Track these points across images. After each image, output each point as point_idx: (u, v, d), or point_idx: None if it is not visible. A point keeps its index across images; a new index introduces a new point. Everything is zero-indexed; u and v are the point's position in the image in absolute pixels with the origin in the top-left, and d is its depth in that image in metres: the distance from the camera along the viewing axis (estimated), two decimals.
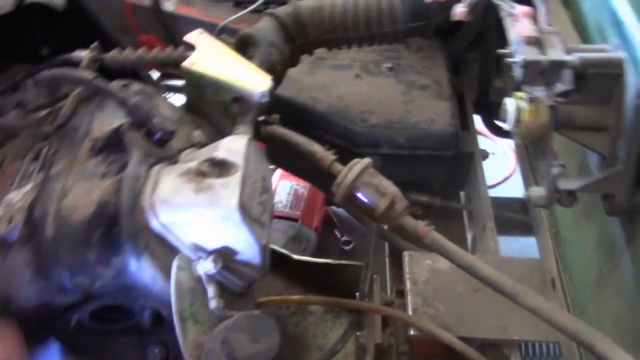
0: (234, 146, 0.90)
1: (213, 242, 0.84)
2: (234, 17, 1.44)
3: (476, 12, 1.20)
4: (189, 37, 1.06)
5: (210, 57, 1.02)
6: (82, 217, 0.81)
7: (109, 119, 0.94)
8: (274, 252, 1.24)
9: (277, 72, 1.19)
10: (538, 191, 0.91)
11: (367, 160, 0.96)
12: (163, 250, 0.83)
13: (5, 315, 0.81)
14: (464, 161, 1.46)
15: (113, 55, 1.06)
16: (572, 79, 0.89)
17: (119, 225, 0.81)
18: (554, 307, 0.88)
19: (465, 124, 1.53)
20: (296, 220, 2.07)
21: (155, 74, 1.63)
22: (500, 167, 2.60)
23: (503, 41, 0.99)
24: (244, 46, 1.16)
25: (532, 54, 0.87)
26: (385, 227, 1.41)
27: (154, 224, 0.82)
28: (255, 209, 0.86)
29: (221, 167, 0.87)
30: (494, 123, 1.77)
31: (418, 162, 1.41)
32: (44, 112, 1.02)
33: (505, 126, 0.95)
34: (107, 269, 0.81)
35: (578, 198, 0.92)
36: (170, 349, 0.93)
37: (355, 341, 1.17)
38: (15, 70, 1.20)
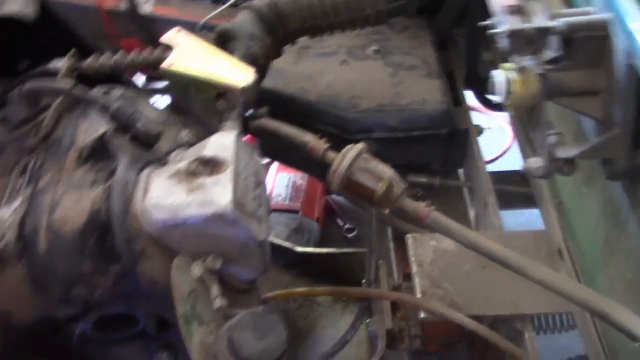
0: (223, 143, 0.88)
1: (211, 241, 0.83)
2: (213, 13, 1.42)
3: None
4: (166, 38, 1.03)
5: (190, 56, 1.00)
6: (74, 228, 0.80)
7: (93, 127, 0.92)
8: (277, 245, 1.23)
9: (260, 65, 1.17)
10: (536, 162, 0.89)
11: (360, 145, 0.95)
12: (160, 254, 0.82)
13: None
14: (459, 138, 1.44)
15: (90, 62, 1.03)
16: (560, 45, 0.87)
17: (112, 233, 0.80)
18: (562, 277, 0.87)
19: (457, 101, 1.51)
20: (297, 212, 2.06)
21: (141, 78, 1.61)
22: (498, 142, 2.58)
23: (488, 13, 0.97)
24: (223, 42, 1.14)
25: (516, 23, 0.85)
26: (386, 211, 1.40)
27: (148, 228, 0.81)
28: (250, 204, 0.84)
29: (211, 165, 0.85)
30: (487, 98, 1.76)
31: (413, 143, 1.39)
32: (27, 126, 1.00)
33: (496, 99, 0.93)
34: (105, 277, 0.80)
35: (578, 166, 0.91)
36: (178, 352, 0.92)
37: (366, 328, 1.16)
38: None
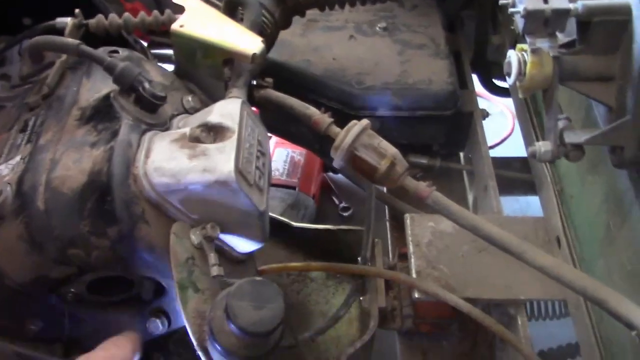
0: (228, 110, 0.87)
1: (210, 209, 0.82)
2: None
3: None
4: None
5: (200, 20, 0.99)
6: (74, 187, 0.79)
7: (97, 86, 0.91)
8: (274, 219, 1.22)
9: (268, 34, 1.15)
10: (544, 145, 0.88)
11: (365, 121, 0.94)
12: (159, 218, 0.81)
13: None
14: (463, 121, 1.44)
15: (98, 20, 1.02)
16: (576, 28, 0.86)
17: (111, 195, 0.78)
18: (562, 263, 0.86)
19: (464, 83, 1.50)
20: (294, 188, 2.06)
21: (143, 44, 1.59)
22: (498, 128, 2.57)
23: None
24: (233, 8, 1.12)
25: (534, 3, 0.83)
26: (385, 190, 1.39)
27: (149, 191, 0.80)
28: (252, 174, 0.83)
29: (215, 132, 0.84)
30: (492, 82, 1.75)
31: (417, 123, 1.38)
32: (30, 83, 0.99)
33: (507, 82, 0.92)
34: (102, 239, 0.79)
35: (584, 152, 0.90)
36: (172, 318, 0.92)
37: (358, 306, 1.15)
38: None
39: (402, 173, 0.92)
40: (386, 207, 1.40)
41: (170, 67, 1.05)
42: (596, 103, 0.92)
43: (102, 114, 0.86)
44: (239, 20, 1.08)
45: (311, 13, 1.34)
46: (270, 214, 1.19)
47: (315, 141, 1.45)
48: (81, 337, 0.90)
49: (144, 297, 0.89)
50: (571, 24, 0.86)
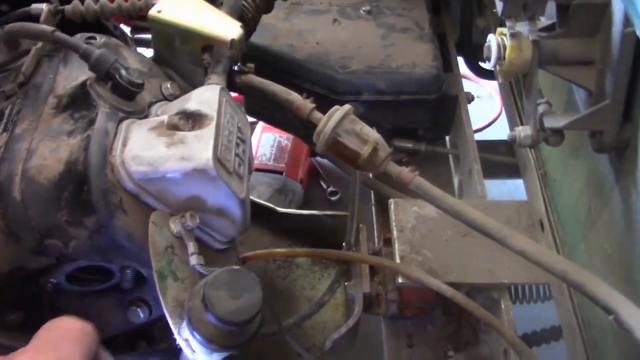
0: (206, 97, 0.86)
1: (189, 197, 0.81)
2: None
3: None
4: None
5: (178, 5, 0.97)
6: (50, 177, 0.78)
7: (73, 74, 0.89)
8: (259, 205, 1.21)
9: (249, 19, 1.14)
10: (524, 130, 0.88)
11: (347, 106, 0.93)
12: (137, 207, 0.80)
13: None
14: (448, 105, 1.43)
15: (74, 6, 1.00)
16: (556, 12, 0.85)
17: (89, 184, 0.77)
18: (542, 248, 0.86)
19: (449, 67, 1.49)
20: (281, 173, 2.05)
21: (126, 30, 1.57)
22: (486, 111, 2.57)
23: None
24: None
25: None
26: (370, 175, 1.39)
27: (126, 180, 0.79)
28: (231, 162, 0.82)
29: (194, 120, 0.83)
30: (478, 65, 1.74)
31: (401, 107, 1.38)
32: (5, 71, 0.97)
33: (488, 65, 0.91)
34: (80, 229, 0.78)
35: (565, 137, 0.90)
36: (152, 307, 0.91)
37: (343, 292, 1.15)
38: None
39: (384, 158, 0.92)
40: (372, 192, 1.40)
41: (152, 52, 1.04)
42: (577, 87, 0.92)
43: (78, 102, 0.85)
44: (219, 5, 1.07)
45: None
46: (255, 199, 1.19)
47: (300, 127, 1.44)
48: None
49: (124, 287, 0.89)
50: (551, 7, 0.85)
